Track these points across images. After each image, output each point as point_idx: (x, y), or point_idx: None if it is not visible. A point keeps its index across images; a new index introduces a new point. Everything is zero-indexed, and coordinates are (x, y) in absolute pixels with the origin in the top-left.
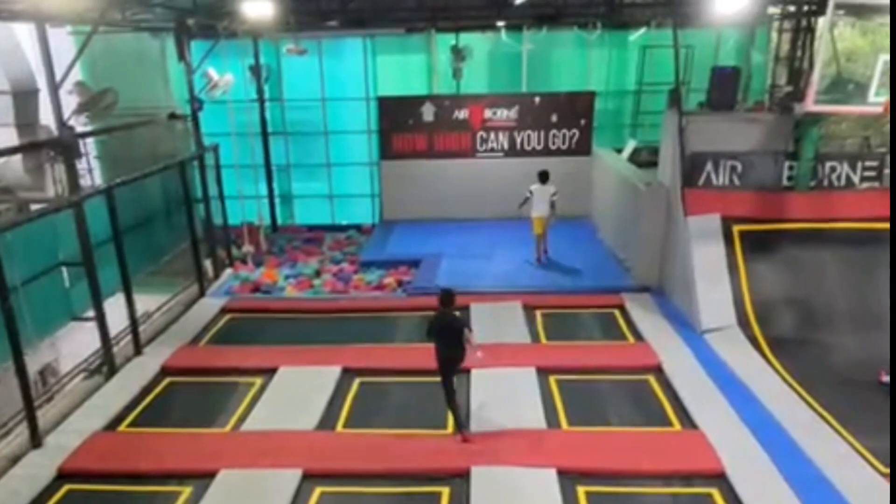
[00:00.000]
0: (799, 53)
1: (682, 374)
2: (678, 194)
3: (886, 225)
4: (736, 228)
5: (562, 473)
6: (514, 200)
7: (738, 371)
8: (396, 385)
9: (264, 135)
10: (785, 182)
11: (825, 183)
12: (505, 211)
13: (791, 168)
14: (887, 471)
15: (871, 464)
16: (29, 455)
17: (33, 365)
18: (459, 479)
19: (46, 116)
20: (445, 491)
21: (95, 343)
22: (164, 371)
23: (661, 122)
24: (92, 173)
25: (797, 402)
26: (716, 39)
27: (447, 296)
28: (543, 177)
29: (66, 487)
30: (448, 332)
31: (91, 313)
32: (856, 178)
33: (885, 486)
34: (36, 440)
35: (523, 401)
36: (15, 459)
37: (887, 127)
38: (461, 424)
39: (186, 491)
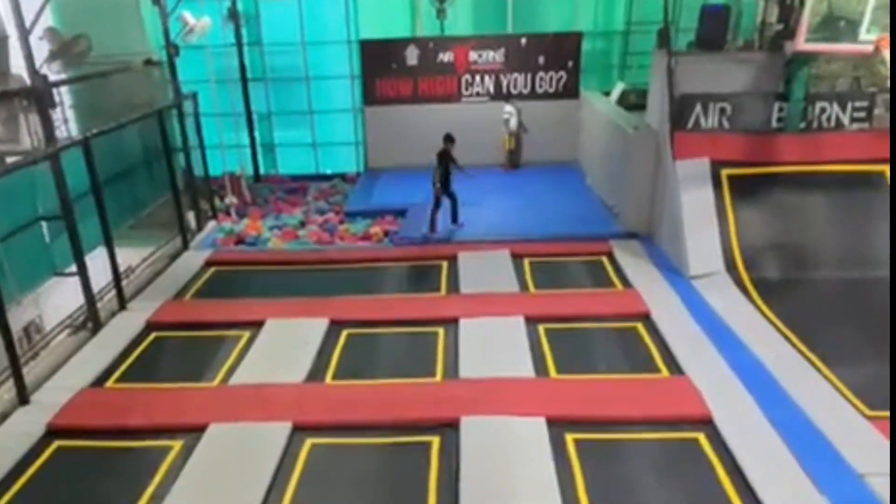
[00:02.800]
0: None
1: (670, 320)
2: (667, 138)
3: (875, 167)
4: (725, 172)
5: (551, 422)
6: (501, 146)
7: (726, 316)
8: (384, 336)
9: (244, 81)
10: (775, 124)
11: (815, 125)
12: (491, 157)
13: (781, 109)
14: (871, 413)
15: (854, 406)
16: (16, 412)
17: (17, 322)
18: (449, 428)
19: (17, 65)
20: (435, 441)
21: (79, 299)
22: (150, 326)
23: (649, 64)
24: (67, 124)
25: (784, 346)
26: None
27: (449, 137)
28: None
29: (55, 444)
30: (444, 159)
31: (73, 268)
32: (846, 120)
33: (869, 427)
34: (23, 397)
35: (512, 350)
36: (3, 417)
37: (878, 66)
38: (432, 224)
39: (177, 445)
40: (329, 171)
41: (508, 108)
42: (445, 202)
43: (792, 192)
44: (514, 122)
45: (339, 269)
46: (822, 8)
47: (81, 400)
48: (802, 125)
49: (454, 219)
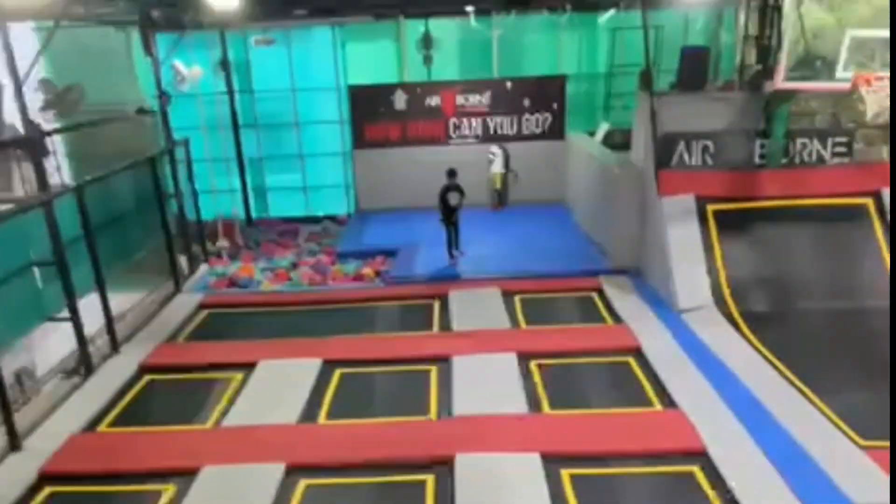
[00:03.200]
0: (767, 32)
1: (661, 354)
2: (652, 175)
3: (857, 200)
4: (710, 208)
5: (545, 458)
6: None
7: (716, 349)
8: (377, 375)
9: (235, 127)
10: (757, 160)
11: (797, 160)
12: (479, 198)
13: (762, 146)
14: (864, 443)
15: (848, 436)
16: (8, 458)
17: (9, 367)
18: (444, 466)
19: (11, 115)
20: (430, 479)
21: (71, 343)
22: (143, 369)
23: (632, 104)
24: (60, 171)
25: (775, 378)
26: (685, 20)
27: (451, 171)
28: (499, 146)
29: (47, 490)
30: (452, 191)
31: (65, 313)
32: (826, 154)
33: (864, 457)
34: (14, 443)
35: (505, 386)
36: None
37: (855, 102)
38: (450, 248)
39: (170, 489)
40: (320, 214)
41: (494, 149)
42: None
43: (777, 225)
44: (498, 164)
45: (332, 309)
46: (798, 49)
47: (73, 445)
48: (784, 161)
49: (455, 244)
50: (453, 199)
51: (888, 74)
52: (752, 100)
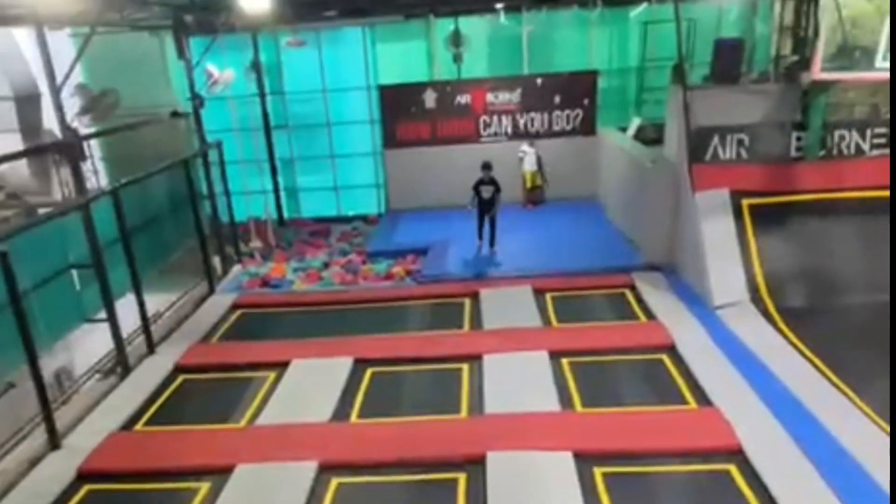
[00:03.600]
0: (803, 21)
1: (696, 351)
2: (685, 170)
3: None
4: (745, 202)
5: (578, 456)
6: (520, 184)
7: (752, 346)
8: (409, 374)
9: (267, 129)
10: (793, 153)
11: (834, 152)
12: (512, 194)
13: (799, 139)
14: None
15: (887, 432)
16: (48, 457)
17: (48, 368)
18: (475, 465)
19: (49, 120)
20: (462, 477)
21: (108, 344)
22: (178, 369)
23: (665, 99)
24: (97, 175)
25: (813, 375)
26: (718, 11)
27: (486, 164)
28: (530, 143)
29: (86, 488)
30: (485, 185)
31: (103, 314)
32: (865, 146)
33: None
34: (54, 442)
35: (537, 385)
36: (34, 462)
37: None
38: (480, 232)
39: (205, 487)
40: (351, 214)
41: (524, 147)
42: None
43: (814, 219)
44: (529, 161)
45: (363, 308)
46: (836, 38)
47: (111, 444)
48: (822, 153)
49: (490, 241)
50: (486, 192)
51: None
52: (789, 91)
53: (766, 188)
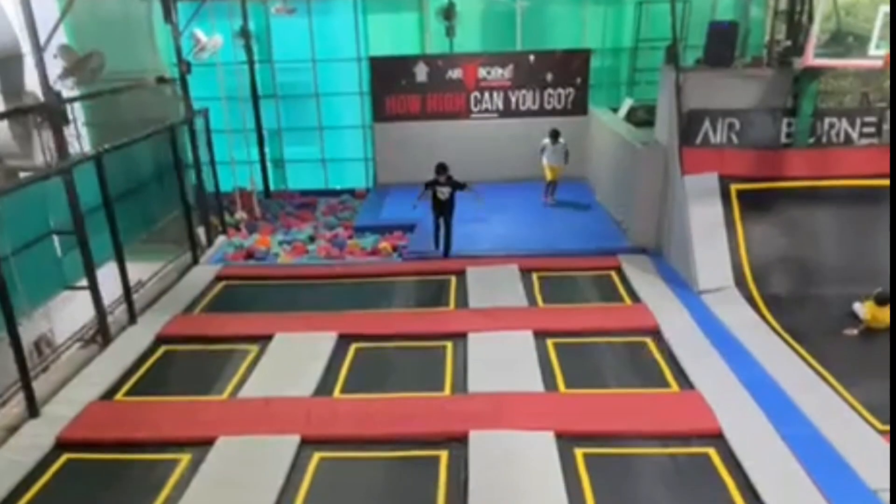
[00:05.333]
0: (798, 7)
1: (680, 335)
2: (675, 153)
3: (885, 182)
4: (734, 187)
5: (560, 436)
6: (510, 162)
7: (736, 331)
8: (393, 350)
9: (254, 98)
10: (783, 139)
11: (824, 140)
12: (500, 173)
13: (790, 125)
14: (884, 427)
15: (867, 420)
16: (27, 425)
17: (28, 335)
18: (457, 442)
19: (32, 82)
20: (444, 455)
21: (90, 312)
22: (159, 339)
23: (657, 80)
24: (80, 140)
25: (794, 361)
26: None
27: (441, 166)
28: (554, 135)
29: (65, 456)
30: (442, 186)
31: (84, 282)
32: (854, 135)
33: (882, 442)
34: (33, 410)
35: (521, 364)
36: (13, 429)
37: (887, 82)
38: (437, 239)
39: (185, 458)
40: (338, 187)
41: (546, 140)
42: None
43: (801, 207)
44: (551, 156)
45: (348, 283)
46: (830, 24)
47: (90, 413)
48: (811, 140)
49: (446, 246)
50: (443, 193)
51: None
52: (781, 77)
53: (755, 174)
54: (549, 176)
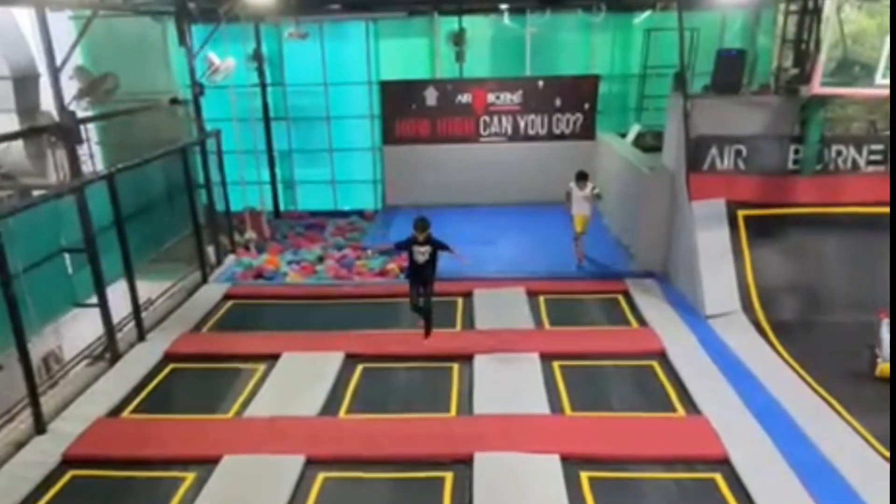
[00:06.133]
0: (805, 35)
1: (686, 359)
2: (682, 178)
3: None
4: (741, 213)
5: (565, 459)
6: (518, 186)
7: (743, 356)
8: (399, 371)
9: (266, 120)
10: (790, 166)
11: (831, 167)
12: (508, 197)
13: (797, 152)
14: (889, 455)
15: (874, 448)
16: (33, 441)
17: (37, 351)
18: (462, 464)
19: (47, 102)
20: (448, 476)
21: (98, 329)
22: (167, 357)
23: (665, 106)
24: (93, 159)
25: (801, 387)
26: (721, 22)
27: (421, 221)
28: (581, 177)
29: (70, 473)
30: (420, 245)
31: (94, 300)
32: (861, 162)
33: (888, 469)
34: (40, 426)
35: (527, 386)
36: (20, 445)
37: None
38: (413, 305)
39: (190, 476)
40: (347, 208)
41: (572, 184)
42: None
43: (808, 233)
44: (580, 203)
45: (356, 303)
46: (837, 53)
47: (97, 430)
48: (818, 167)
49: (426, 325)
50: (421, 254)
51: None
52: (788, 104)
53: (762, 200)
54: (577, 227)
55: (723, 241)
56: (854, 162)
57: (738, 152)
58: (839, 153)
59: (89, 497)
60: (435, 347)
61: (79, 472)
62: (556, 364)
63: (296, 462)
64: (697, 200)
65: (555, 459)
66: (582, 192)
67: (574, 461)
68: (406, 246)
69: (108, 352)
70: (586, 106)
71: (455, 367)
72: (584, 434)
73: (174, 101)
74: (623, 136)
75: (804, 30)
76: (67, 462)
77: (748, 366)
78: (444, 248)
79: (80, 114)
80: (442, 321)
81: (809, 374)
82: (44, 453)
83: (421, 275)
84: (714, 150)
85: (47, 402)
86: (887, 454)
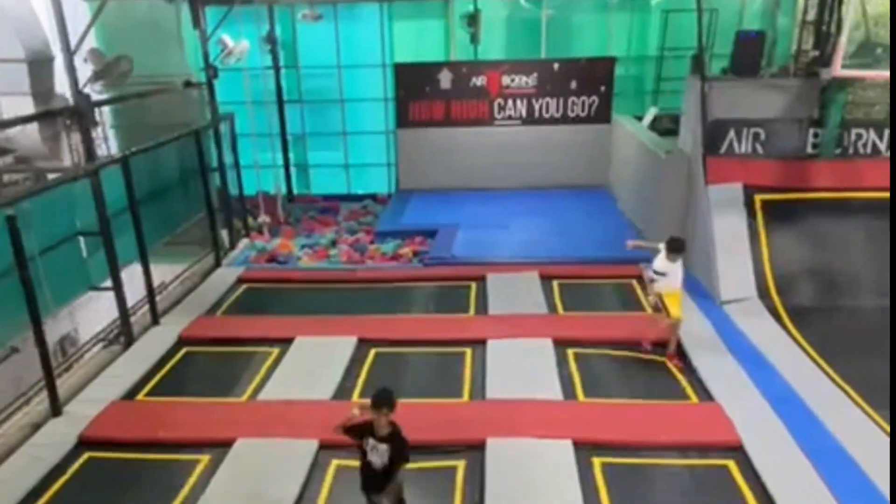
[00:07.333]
0: (826, 17)
1: (700, 345)
2: (699, 162)
3: None
4: (758, 198)
5: (577, 445)
6: (532, 169)
7: (758, 342)
8: (412, 356)
9: (280, 103)
10: (809, 150)
11: (851, 151)
12: (522, 180)
13: (816, 135)
14: None
15: (888, 434)
16: (50, 423)
17: (52, 334)
18: (475, 450)
19: (62, 85)
20: (461, 465)
21: (113, 313)
22: (182, 341)
23: (682, 89)
24: (108, 142)
25: (816, 374)
26: (740, 3)
27: (382, 396)
28: (675, 247)
29: (86, 455)
30: (375, 439)
31: (108, 283)
32: (882, 146)
33: None
34: (56, 408)
35: (540, 372)
36: (36, 427)
37: None
38: None
39: (204, 459)
40: (360, 192)
41: (661, 249)
42: None
43: (826, 218)
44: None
45: (369, 288)
46: (858, 35)
47: (112, 412)
48: (838, 151)
49: None
50: (376, 454)
51: None
52: (808, 87)
53: (780, 184)
54: (671, 312)
55: (739, 226)
56: (874, 146)
57: (756, 136)
58: (859, 137)
59: (106, 478)
60: (448, 332)
61: (95, 453)
62: (569, 350)
63: (309, 446)
64: (714, 184)
65: (567, 445)
66: (673, 262)
67: (587, 447)
68: (356, 434)
69: (123, 335)
70: (602, 88)
71: (468, 352)
72: (596, 420)
73: (188, 84)
74: (639, 119)
75: (825, 11)
76: (83, 444)
77: (763, 352)
78: (404, 458)
79: (95, 97)
80: (455, 306)
81: (825, 360)
82: (60, 435)
83: (374, 485)
84: (732, 134)
85: (63, 384)
86: None
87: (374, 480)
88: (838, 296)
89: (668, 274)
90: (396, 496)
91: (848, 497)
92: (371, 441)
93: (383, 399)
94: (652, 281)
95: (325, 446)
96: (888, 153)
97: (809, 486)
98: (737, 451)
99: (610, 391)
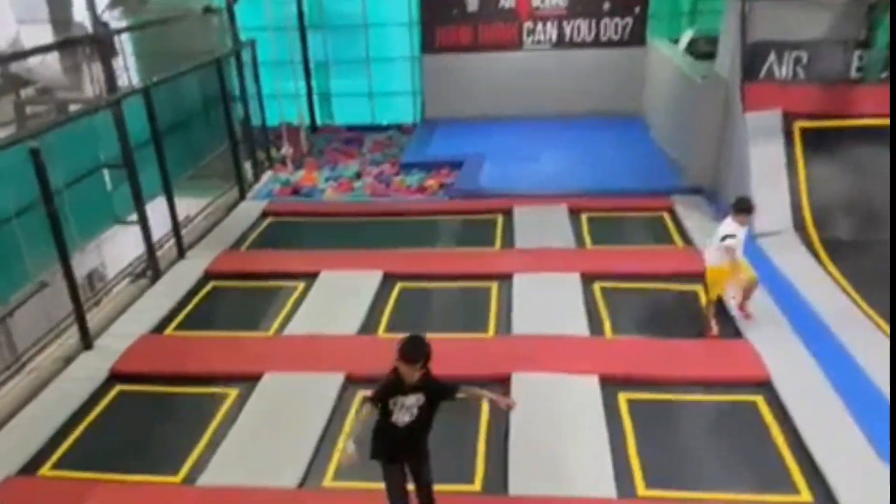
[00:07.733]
0: None
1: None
2: (737, 88)
3: None
4: (798, 125)
5: (604, 380)
6: (562, 96)
7: (792, 277)
8: (437, 290)
9: (302, 29)
10: (854, 74)
11: None
12: (552, 108)
13: (861, 58)
14: None
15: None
16: (81, 357)
17: (80, 269)
18: (499, 384)
19: (79, 13)
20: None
21: (139, 247)
22: (208, 275)
23: (721, 9)
24: (128, 72)
25: (851, 309)
26: None
27: (412, 345)
28: (745, 206)
29: (117, 388)
30: (404, 395)
31: (134, 217)
32: None
33: None
34: (87, 342)
35: (566, 307)
36: (68, 360)
37: None
38: None
39: (233, 393)
40: (385, 122)
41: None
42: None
43: (869, 147)
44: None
45: (394, 221)
46: None
47: (142, 346)
48: (884, 75)
49: None
50: (405, 411)
51: None
52: (854, 5)
53: (821, 111)
54: (747, 274)
55: (777, 156)
56: None
57: (798, 59)
58: None
59: (137, 411)
60: (474, 266)
61: (125, 387)
62: (597, 285)
63: (336, 380)
64: (752, 111)
65: (593, 380)
66: (743, 228)
67: (613, 382)
68: (380, 397)
69: (150, 269)
70: (636, 10)
71: (494, 286)
72: (623, 356)
73: (207, 10)
74: (675, 42)
75: None
76: (114, 377)
77: (797, 287)
78: (452, 393)
79: (113, 25)
80: (481, 240)
81: (862, 296)
82: (92, 369)
83: (405, 449)
84: (773, 57)
85: (92, 318)
86: None
87: (403, 439)
88: (878, 229)
89: (738, 237)
90: (430, 475)
91: (878, 436)
92: (398, 399)
93: (417, 352)
94: (729, 249)
95: (350, 379)
96: None
97: (839, 424)
98: (765, 386)
99: (637, 327)
